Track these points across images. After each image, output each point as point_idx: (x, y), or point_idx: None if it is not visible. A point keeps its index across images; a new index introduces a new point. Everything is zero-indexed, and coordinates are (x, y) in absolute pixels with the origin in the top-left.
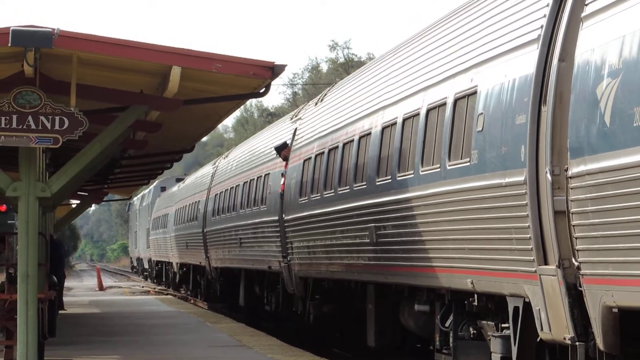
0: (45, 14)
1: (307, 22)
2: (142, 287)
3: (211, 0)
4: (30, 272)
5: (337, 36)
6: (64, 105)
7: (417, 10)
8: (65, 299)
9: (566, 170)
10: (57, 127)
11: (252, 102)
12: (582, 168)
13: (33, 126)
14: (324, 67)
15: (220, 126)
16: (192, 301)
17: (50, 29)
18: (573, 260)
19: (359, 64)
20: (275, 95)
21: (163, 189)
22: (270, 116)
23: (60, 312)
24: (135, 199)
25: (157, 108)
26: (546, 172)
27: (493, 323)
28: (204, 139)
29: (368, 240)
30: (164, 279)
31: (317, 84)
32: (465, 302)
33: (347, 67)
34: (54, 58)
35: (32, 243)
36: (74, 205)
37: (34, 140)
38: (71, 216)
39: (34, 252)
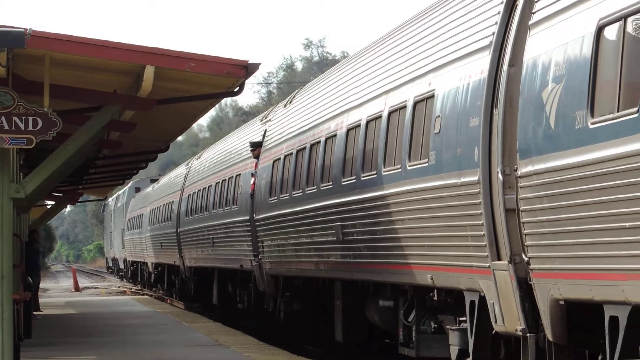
0: (44, 14)
1: (281, 21)
2: (119, 287)
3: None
4: (5, 274)
5: (311, 34)
6: (38, 106)
7: (391, 8)
8: (40, 300)
9: (516, 170)
10: (30, 127)
11: (227, 101)
12: (529, 168)
13: (6, 127)
14: (299, 65)
15: (195, 126)
16: (168, 301)
17: (22, 29)
18: (523, 255)
19: (334, 62)
20: (250, 94)
21: (138, 189)
22: (246, 115)
23: (35, 313)
24: (110, 199)
25: (131, 108)
26: (497, 172)
27: (452, 317)
28: (179, 138)
29: (335, 239)
30: (139, 279)
31: (291, 82)
32: (427, 297)
33: (321, 65)
34: (26, 58)
35: (6, 244)
36: (49, 206)
37: (8, 141)
38: (46, 217)
39: (9, 253)
